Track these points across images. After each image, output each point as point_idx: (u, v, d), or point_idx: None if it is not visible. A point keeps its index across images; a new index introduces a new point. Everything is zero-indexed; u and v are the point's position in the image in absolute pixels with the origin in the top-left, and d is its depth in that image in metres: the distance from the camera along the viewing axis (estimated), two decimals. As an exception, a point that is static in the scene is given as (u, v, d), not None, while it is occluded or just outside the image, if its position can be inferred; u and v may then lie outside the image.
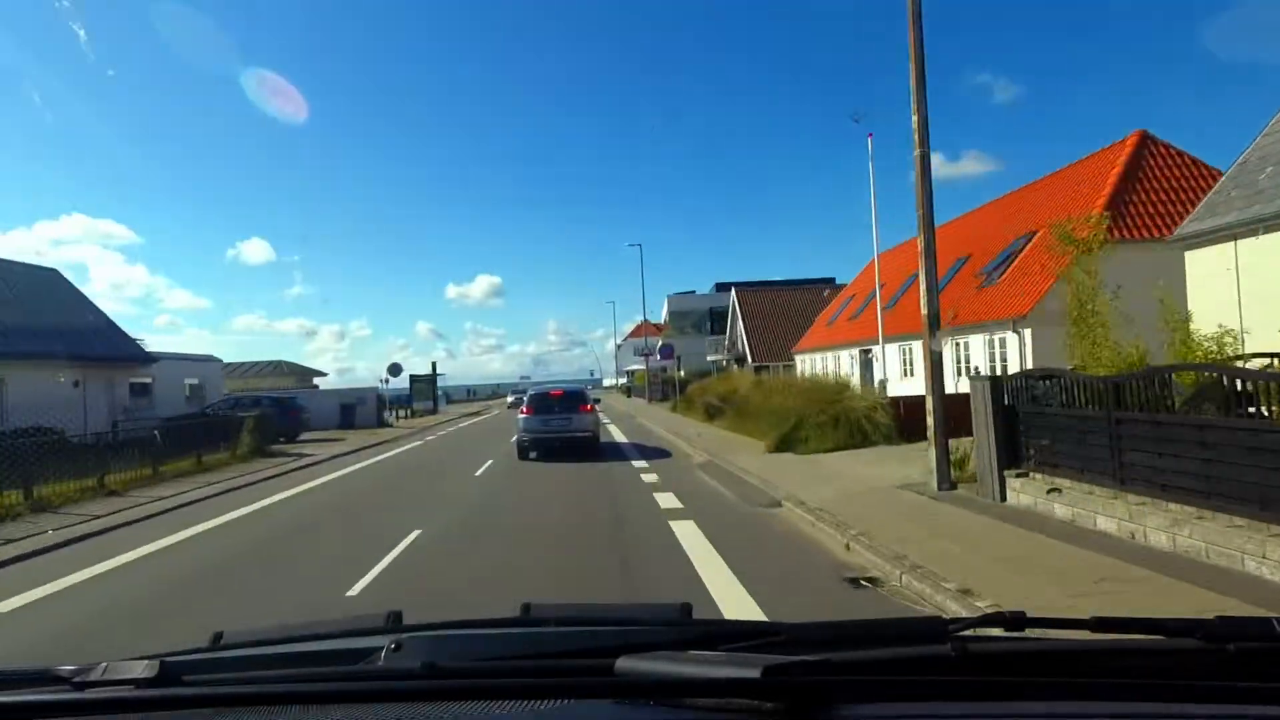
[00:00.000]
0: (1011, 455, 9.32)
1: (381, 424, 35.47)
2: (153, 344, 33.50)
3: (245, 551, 9.35)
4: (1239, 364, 8.00)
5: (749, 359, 44.88)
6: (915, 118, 10.50)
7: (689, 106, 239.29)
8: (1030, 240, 21.14)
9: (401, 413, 42.80)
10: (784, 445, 16.21)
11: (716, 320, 56.60)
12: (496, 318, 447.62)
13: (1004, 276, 21.13)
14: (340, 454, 22.05)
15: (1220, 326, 8.25)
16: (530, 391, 20.83)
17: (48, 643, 6.20)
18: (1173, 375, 7.03)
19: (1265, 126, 12.21)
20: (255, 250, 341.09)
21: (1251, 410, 6.21)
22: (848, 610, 5.80)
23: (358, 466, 19.01)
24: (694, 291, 65.22)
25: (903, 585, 6.37)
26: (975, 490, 9.80)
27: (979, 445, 9.85)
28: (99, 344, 27.26)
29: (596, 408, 21.11)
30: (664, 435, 23.37)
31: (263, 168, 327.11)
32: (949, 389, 10.89)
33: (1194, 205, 15.83)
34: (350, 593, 6.97)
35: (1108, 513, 7.39)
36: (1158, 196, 19.01)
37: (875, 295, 24.30)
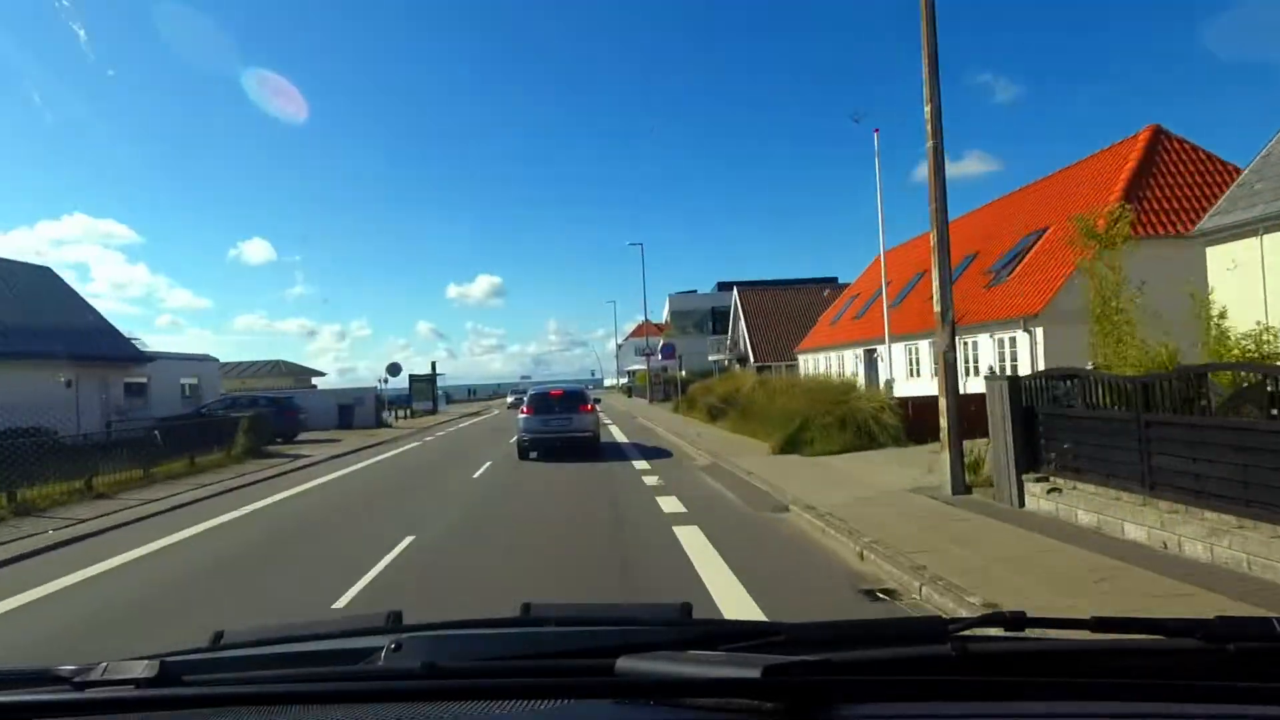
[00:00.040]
0: (1030, 458, 8.92)
1: (380, 424, 35.10)
2: (154, 344, 33.37)
3: (232, 558, 8.96)
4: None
5: (751, 359, 44.50)
6: (928, 108, 10.11)
7: (689, 106, 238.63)
8: (1040, 237, 20.74)
9: (401, 413, 42.38)
10: (789, 447, 15.86)
11: (718, 320, 56.14)
12: (497, 317, 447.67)
13: (1013, 274, 20.70)
14: (337, 455, 21.71)
15: (1258, 324, 7.84)
16: (530, 391, 20.58)
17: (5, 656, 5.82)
18: (1209, 375, 6.64)
19: (1287, 118, 11.83)
20: (256, 250, 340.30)
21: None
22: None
23: (353, 468, 18.64)
24: (695, 291, 64.90)
25: (922, 598, 5.99)
26: (991, 495, 9.41)
27: (995, 448, 9.46)
28: (93, 343, 26.89)
29: (597, 408, 20.84)
30: (666, 436, 23.01)
31: (263, 168, 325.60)
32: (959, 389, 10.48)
33: (1210, 201, 15.47)
34: (336, 604, 6.60)
35: (1137, 520, 7.00)
36: (1173, 192, 18.57)
37: (881, 293, 23.92)
